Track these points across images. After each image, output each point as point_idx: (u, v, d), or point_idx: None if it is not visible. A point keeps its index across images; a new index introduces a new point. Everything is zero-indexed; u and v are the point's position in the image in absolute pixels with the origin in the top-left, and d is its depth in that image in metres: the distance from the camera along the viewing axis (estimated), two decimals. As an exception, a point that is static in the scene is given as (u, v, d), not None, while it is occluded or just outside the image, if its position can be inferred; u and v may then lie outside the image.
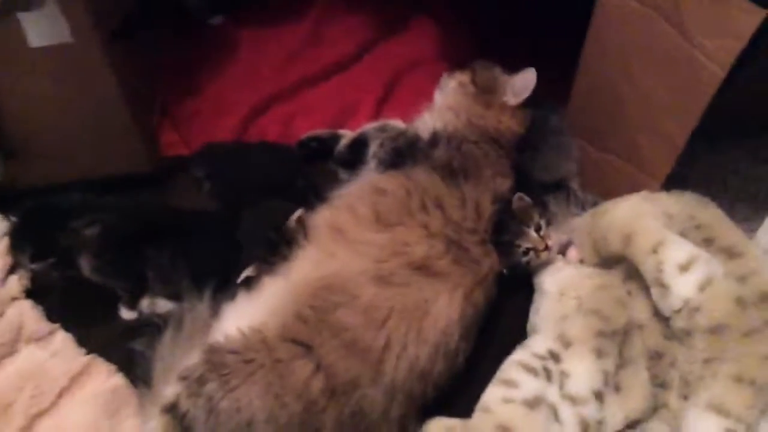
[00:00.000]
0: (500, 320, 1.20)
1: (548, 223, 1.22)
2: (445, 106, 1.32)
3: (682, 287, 1.00)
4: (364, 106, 1.46)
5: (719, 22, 0.89)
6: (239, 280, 1.10)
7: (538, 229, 1.19)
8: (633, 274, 1.10)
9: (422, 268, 1.06)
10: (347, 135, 1.36)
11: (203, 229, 1.21)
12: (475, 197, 1.16)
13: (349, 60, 1.53)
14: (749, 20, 0.85)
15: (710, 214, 1.13)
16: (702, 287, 0.99)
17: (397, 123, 1.31)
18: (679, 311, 1.01)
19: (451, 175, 1.17)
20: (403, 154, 1.23)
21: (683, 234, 1.11)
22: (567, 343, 0.99)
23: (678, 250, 1.02)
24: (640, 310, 1.09)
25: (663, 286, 1.02)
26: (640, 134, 1.14)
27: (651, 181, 1.15)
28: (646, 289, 1.07)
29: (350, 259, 1.07)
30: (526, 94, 1.30)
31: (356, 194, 1.15)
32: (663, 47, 1.00)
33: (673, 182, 1.16)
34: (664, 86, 1.05)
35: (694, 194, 1.14)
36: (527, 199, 1.20)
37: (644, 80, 1.08)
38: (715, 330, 0.98)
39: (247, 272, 1.11)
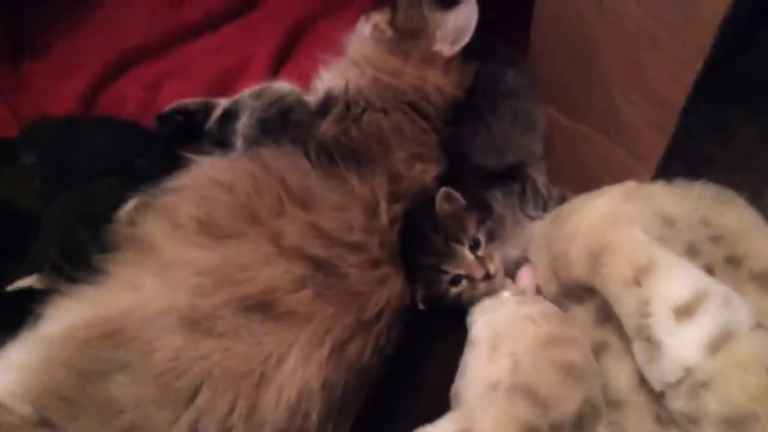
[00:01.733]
0: (423, 380, 0.79)
1: (491, 236, 0.81)
2: (350, 59, 0.92)
3: (681, 346, 0.59)
4: (256, 64, 1.07)
5: None
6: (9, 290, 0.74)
7: (474, 247, 0.79)
8: (612, 313, 0.68)
9: (262, 307, 0.67)
10: (221, 105, 0.96)
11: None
12: (367, 194, 0.76)
13: (239, 5, 1.13)
14: None
15: (737, 218, 0.70)
16: (715, 347, 0.58)
17: (282, 86, 0.91)
18: (676, 385, 0.60)
19: (333, 159, 0.77)
20: (273, 128, 0.83)
21: (692, 251, 0.69)
22: (474, 445, 0.58)
23: (676, 280, 0.61)
24: (619, 377, 0.67)
25: (650, 341, 0.61)
26: (619, 93, 0.72)
27: (638, 165, 0.73)
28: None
29: (156, 291, 0.68)
30: (464, 39, 0.88)
31: (186, 191, 0.75)
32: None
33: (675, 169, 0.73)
34: (652, 15, 0.63)
35: (709, 186, 0.72)
36: (458, 197, 0.79)
37: (623, 7, 0.66)
38: (736, 423, 0.56)
39: (23, 282, 0.75)
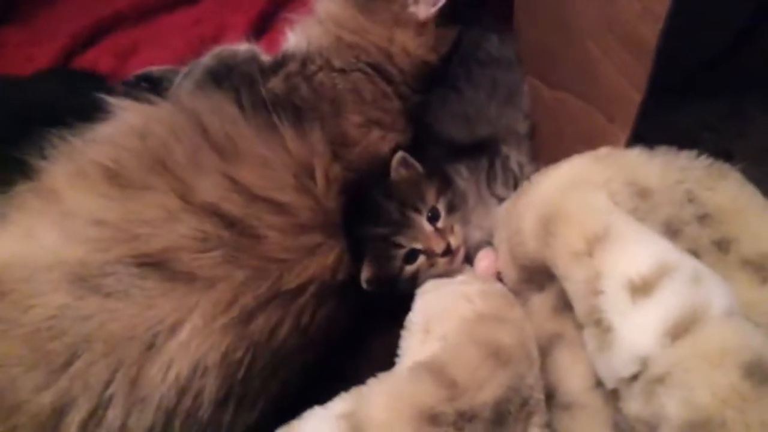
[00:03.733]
0: (360, 370, 0.69)
1: (451, 208, 0.71)
2: (317, 18, 0.84)
3: (636, 330, 0.47)
4: (231, 34, 1.00)
5: None
6: None
7: (433, 218, 0.69)
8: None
9: (160, 267, 0.58)
10: (182, 71, 0.90)
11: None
12: (304, 153, 0.67)
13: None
14: None
15: (730, 195, 0.58)
16: (676, 333, 0.46)
17: (242, 45, 0.84)
18: (630, 381, 0.48)
19: (270, 112, 0.68)
20: (217, 79, 0.75)
21: (672, 231, 0.57)
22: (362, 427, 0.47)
23: (633, 250, 0.49)
24: (572, 375, 0.56)
25: (600, 325, 0.49)
26: (595, 45, 0.61)
27: (617, 132, 0.62)
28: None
29: (49, 242, 0.60)
30: (441, 0, 0.79)
31: (100, 137, 0.68)
32: None
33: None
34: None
35: (699, 158, 0.60)
36: (415, 164, 0.69)
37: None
38: (699, 429, 0.44)
39: None
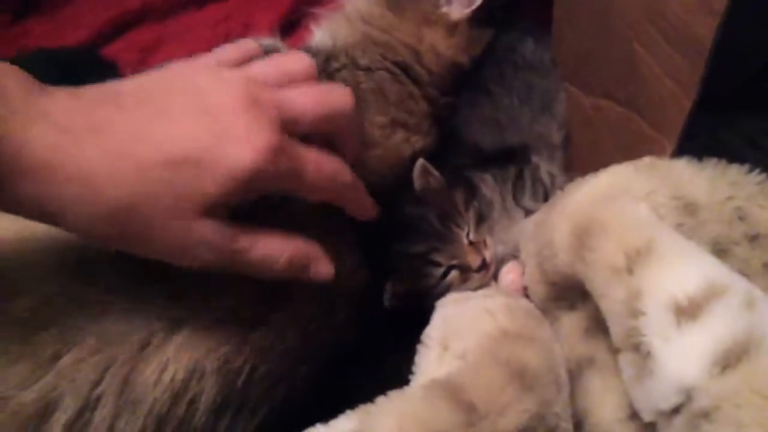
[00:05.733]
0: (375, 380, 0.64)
1: (480, 219, 0.66)
2: (344, 15, 0.80)
3: (681, 358, 0.42)
4: (256, 32, 0.97)
5: None
6: None
7: (467, 233, 0.65)
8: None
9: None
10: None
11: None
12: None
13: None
14: None
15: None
16: (726, 362, 0.41)
17: (265, 39, 0.80)
18: (671, 415, 0.42)
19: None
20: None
21: (719, 251, 0.52)
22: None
23: (679, 268, 0.44)
24: (603, 403, 0.50)
25: (639, 351, 0.44)
26: (641, 46, 0.57)
27: (661, 140, 0.57)
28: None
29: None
30: (477, 1, 0.75)
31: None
32: None
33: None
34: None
35: (752, 172, 0.54)
36: (435, 172, 0.65)
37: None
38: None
39: None
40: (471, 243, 0.66)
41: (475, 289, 0.65)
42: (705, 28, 0.47)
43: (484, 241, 0.66)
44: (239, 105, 0.46)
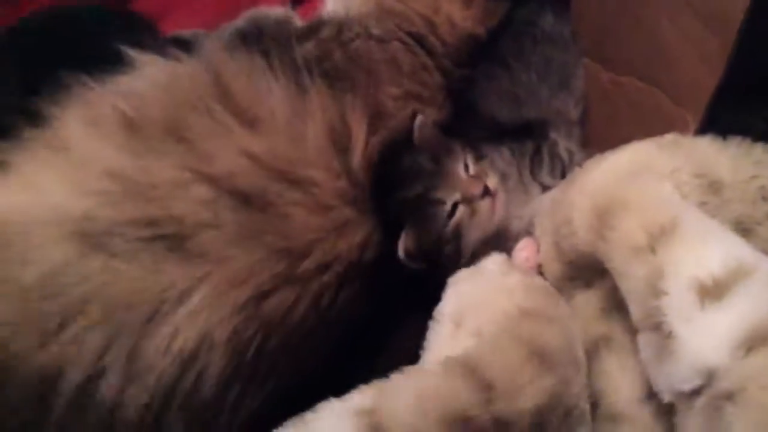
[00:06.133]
0: (387, 355, 0.64)
1: (479, 157, 0.65)
2: (358, -18, 0.78)
3: (703, 339, 0.41)
4: (266, 1, 0.94)
5: None
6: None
7: (464, 168, 0.63)
8: (624, 303, 0.50)
9: (172, 237, 0.53)
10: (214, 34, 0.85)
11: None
12: (337, 124, 0.62)
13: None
14: None
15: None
16: (750, 344, 0.40)
17: (276, 8, 0.79)
18: (692, 396, 0.41)
19: (302, 76, 0.63)
20: (250, 40, 0.70)
21: (742, 230, 0.51)
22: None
23: (704, 247, 0.43)
24: (620, 384, 0.49)
25: (660, 331, 0.43)
26: (668, 22, 0.55)
27: (682, 114, 0.55)
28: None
29: (53, 193, 0.55)
30: (496, -29, 0.73)
31: (125, 88, 0.63)
32: None
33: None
34: None
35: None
36: (433, 127, 0.64)
37: None
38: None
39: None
40: (470, 176, 0.64)
41: (489, 226, 0.64)
42: (737, 7, 0.45)
43: (485, 172, 0.65)
44: None
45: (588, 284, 0.57)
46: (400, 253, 0.61)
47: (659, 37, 0.56)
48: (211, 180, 0.55)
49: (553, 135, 0.69)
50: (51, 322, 0.50)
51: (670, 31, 0.56)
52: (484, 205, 0.63)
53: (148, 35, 0.88)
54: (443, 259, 0.63)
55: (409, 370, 0.44)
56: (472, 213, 0.63)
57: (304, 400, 0.53)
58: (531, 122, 0.70)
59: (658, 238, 0.45)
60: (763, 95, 0.69)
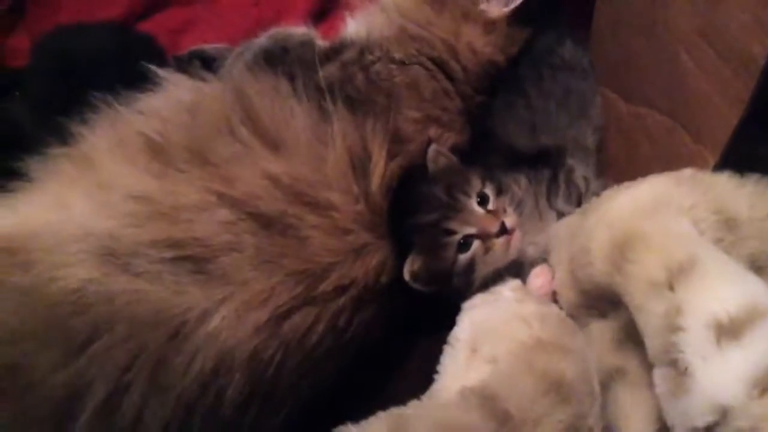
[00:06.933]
0: (400, 377, 0.65)
1: (500, 190, 0.66)
2: (380, 6, 0.79)
3: (719, 377, 0.42)
4: (289, 18, 0.96)
5: None
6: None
7: (483, 202, 0.64)
8: (639, 336, 0.51)
9: (193, 259, 0.54)
10: (236, 50, 0.86)
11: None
12: (357, 147, 0.63)
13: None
14: None
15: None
16: (765, 384, 0.40)
17: (299, 28, 0.80)
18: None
19: (324, 100, 0.64)
20: (272, 61, 0.71)
21: (757, 267, 0.51)
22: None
23: (722, 286, 0.44)
24: (634, 416, 0.50)
25: (676, 366, 0.43)
26: (689, 58, 0.56)
27: (704, 153, 0.56)
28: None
29: (80, 212, 0.57)
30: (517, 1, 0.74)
31: (146, 108, 0.64)
32: None
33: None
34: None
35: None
36: (449, 154, 0.65)
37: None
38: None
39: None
40: (489, 211, 0.64)
41: (503, 262, 0.63)
42: (760, 47, 0.46)
43: (504, 208, 0.65)
44: None
45: (602, 314, 0.58)
46: (406, 275, 0.62)
47: (679, 74, 0.57)
48: (233, 203, 0.57)
49: (570, 162, 0.70)
50: (77, 338, 0.51)
51: (690, 68, 0.56)
52: (499, 242, 0.62)
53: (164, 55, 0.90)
54: (452, 287, 0.63)
55: (427, 399, 0.45)
56: (487, 250, 0.63)
57: (320, 421, 0.54)
58: (548, 149, 0.71)
59: (676, 275, 0.45)
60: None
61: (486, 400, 0.43)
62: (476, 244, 0.63)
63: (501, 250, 0.62)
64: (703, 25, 0.53)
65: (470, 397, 0.43)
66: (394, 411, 0.44)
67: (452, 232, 0.63)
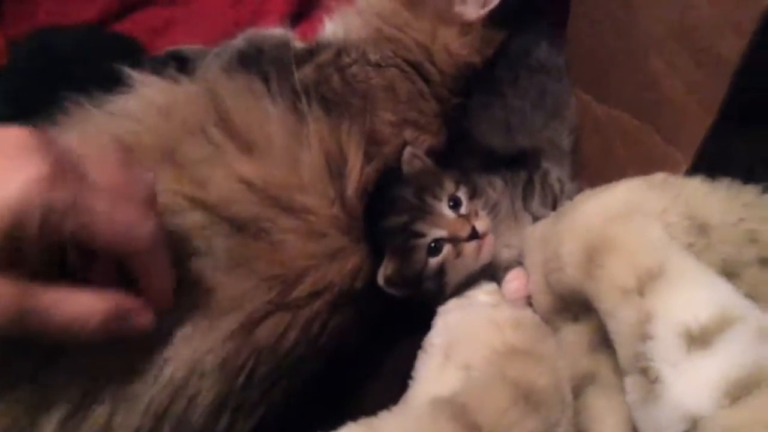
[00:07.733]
0: (375, 382, 0.65)
1: (474, 194, 0.65)
2: (357, 9, 0.79)
3: (689, 385, 0.42)
4: (267, 19, 0.95)
5: None
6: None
7: (455, 206, 0.64)
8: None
9: None
10: (213, 51, 0.85)
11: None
12: (333, 149, 0.62)
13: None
14: None
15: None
16: (736, 393, 0.40)
17: (275, 29, 0.79)
18: (676, 442, 0.42)
19: (299, 101, 0.64)
20: (249, 61, 0.71)
21: (729, 273, 0.51)
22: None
23: (692, 293, 0.44)
24: (604, 423, 0.50)
25: (646, 375, 0.43)
26: (661, 60, 0.56)
27: (672, 152, 0.56)
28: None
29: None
30: (493, 3, 0.74)
31: (123, 111, 0.63)
32: None
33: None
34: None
35: (763, 190, 0.54)
36: (424, 158, 0.64)
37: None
38: None
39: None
40: (460, 215, 0.64)
41: (474, 267, 0.63)
42: (732, 49, 0.46)
43: (476, 212, 0.65)
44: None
45: (576, 318, 0.58)
46: (379, 279, 0.62)
47: (652, 76, 0.57)
48: (205, 206, 0.56)
49: (545, 164, 0.70)
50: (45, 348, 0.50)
51: (662, 69, 0.56)
52: (469, 247, 0.62)
53: (143, 56, 0.89)
54: (424, 291, 0.63)
55: (398, 410, 0.44)
56: (457, 254, 0.62)
57: (294, 427, 0.54)
58: (524, 151, 0.71)
59: (646, 281, 0.45)
60: (755, 128, 0.70)
61: (456, 410, 0.42)
62: (447, 248, 0.62)
63: (472, 255, 0.62)
64: (677, 29, 0.53)
65: (441, 407, 0.43)
66: (364, 421, 0.44)
67: (421, 235, 0.63)
